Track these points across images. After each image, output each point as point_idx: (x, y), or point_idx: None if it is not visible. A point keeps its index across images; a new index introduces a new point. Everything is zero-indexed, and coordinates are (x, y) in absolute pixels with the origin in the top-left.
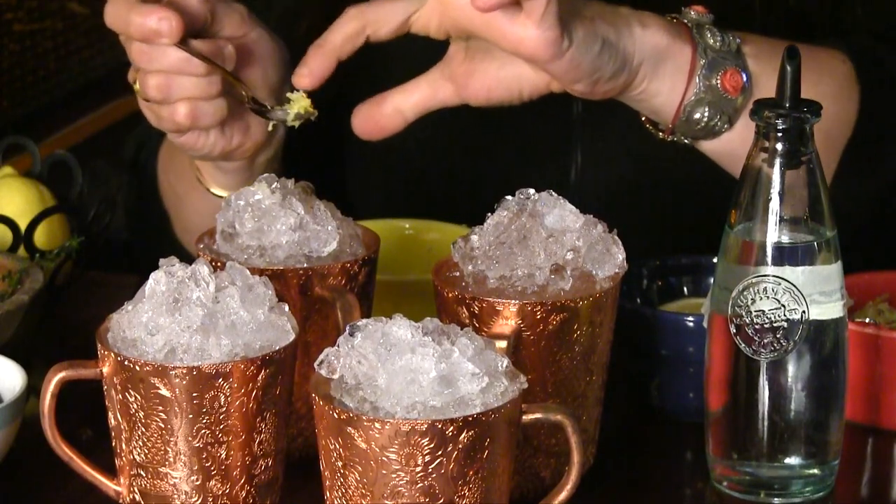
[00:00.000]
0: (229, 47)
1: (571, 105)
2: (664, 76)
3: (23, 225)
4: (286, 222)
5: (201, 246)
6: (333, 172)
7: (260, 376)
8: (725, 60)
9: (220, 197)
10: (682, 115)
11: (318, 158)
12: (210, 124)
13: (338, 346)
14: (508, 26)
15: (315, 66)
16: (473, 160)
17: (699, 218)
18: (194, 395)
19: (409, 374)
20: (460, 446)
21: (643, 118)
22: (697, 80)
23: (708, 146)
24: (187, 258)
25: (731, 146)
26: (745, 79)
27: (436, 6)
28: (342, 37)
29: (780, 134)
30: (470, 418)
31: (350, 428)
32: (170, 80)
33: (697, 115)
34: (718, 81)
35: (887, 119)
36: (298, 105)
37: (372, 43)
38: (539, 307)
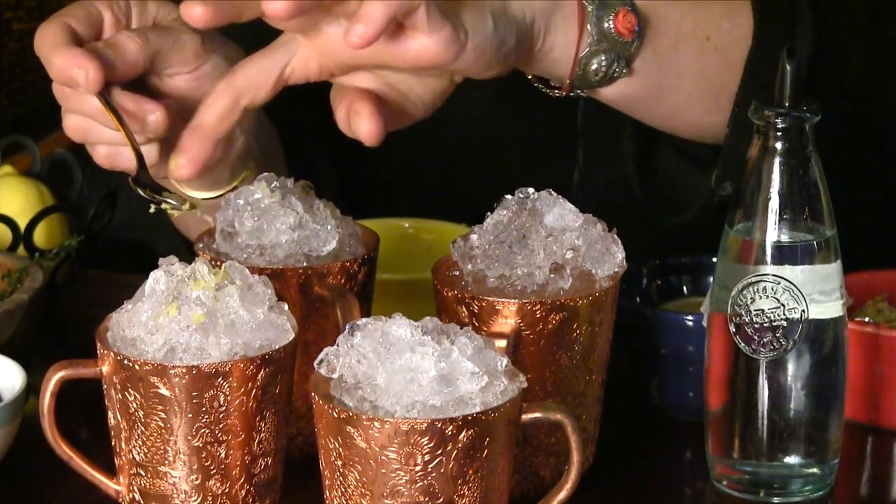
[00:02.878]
0: (156, 114)
1: (577, 104)
2: (556, 28)
3: (22, 224)
4: (286, 221)
5: (201, 245)
6: (333, 171)
7: (259, 375)
8: (615, 1)
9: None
10: (578, 67)
11: (318, 158)
12: (130, 168)
13: (337, 346)
14: (399, 47)
15: (193, 154)
16: (474, 160)
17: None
18: (194, 394)
19: (409, 374)
20: (460, 445)
21: (530, 77)
22: (589, 27)
23: (606, 94)
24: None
25: (629, 90)
26: (637, 19)
27: (311, 52)
28: (216, 116)
29: (779, 133)
30: (469, 417)
31: (349, 427)
32: (87, 124)
33: (595, 66)
34: (611, 25)
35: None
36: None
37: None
38: (539, 306)
